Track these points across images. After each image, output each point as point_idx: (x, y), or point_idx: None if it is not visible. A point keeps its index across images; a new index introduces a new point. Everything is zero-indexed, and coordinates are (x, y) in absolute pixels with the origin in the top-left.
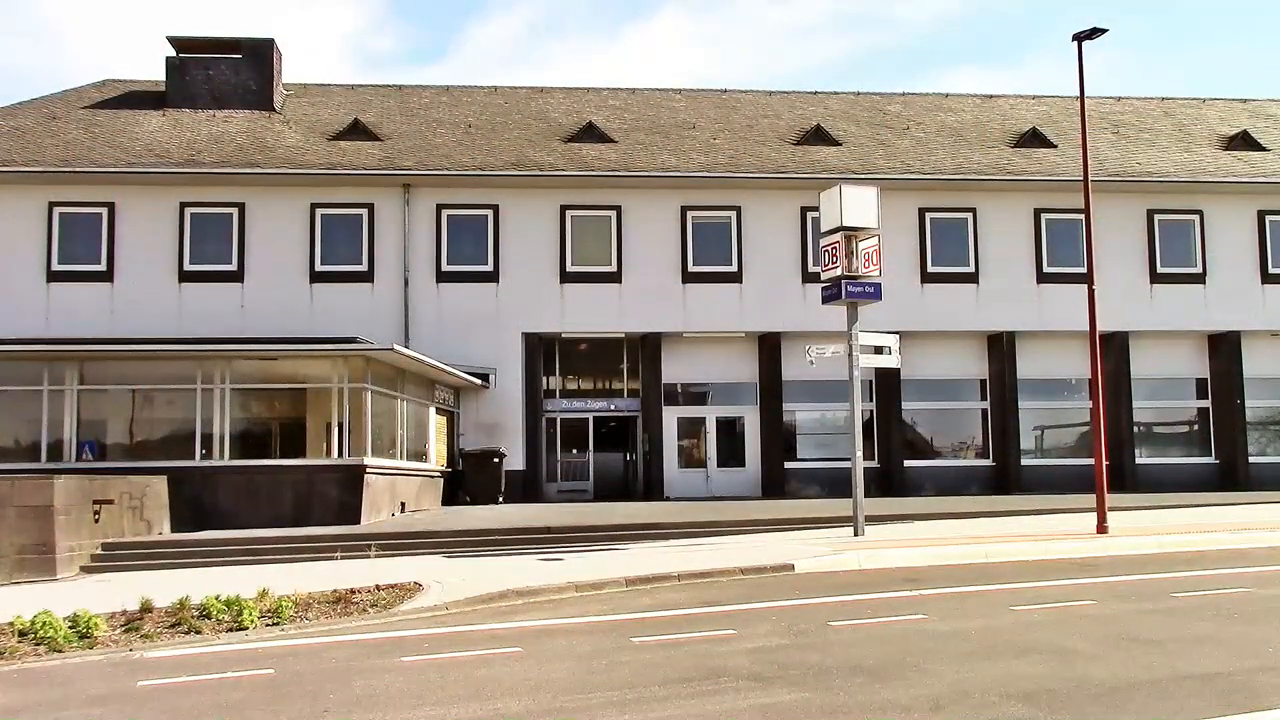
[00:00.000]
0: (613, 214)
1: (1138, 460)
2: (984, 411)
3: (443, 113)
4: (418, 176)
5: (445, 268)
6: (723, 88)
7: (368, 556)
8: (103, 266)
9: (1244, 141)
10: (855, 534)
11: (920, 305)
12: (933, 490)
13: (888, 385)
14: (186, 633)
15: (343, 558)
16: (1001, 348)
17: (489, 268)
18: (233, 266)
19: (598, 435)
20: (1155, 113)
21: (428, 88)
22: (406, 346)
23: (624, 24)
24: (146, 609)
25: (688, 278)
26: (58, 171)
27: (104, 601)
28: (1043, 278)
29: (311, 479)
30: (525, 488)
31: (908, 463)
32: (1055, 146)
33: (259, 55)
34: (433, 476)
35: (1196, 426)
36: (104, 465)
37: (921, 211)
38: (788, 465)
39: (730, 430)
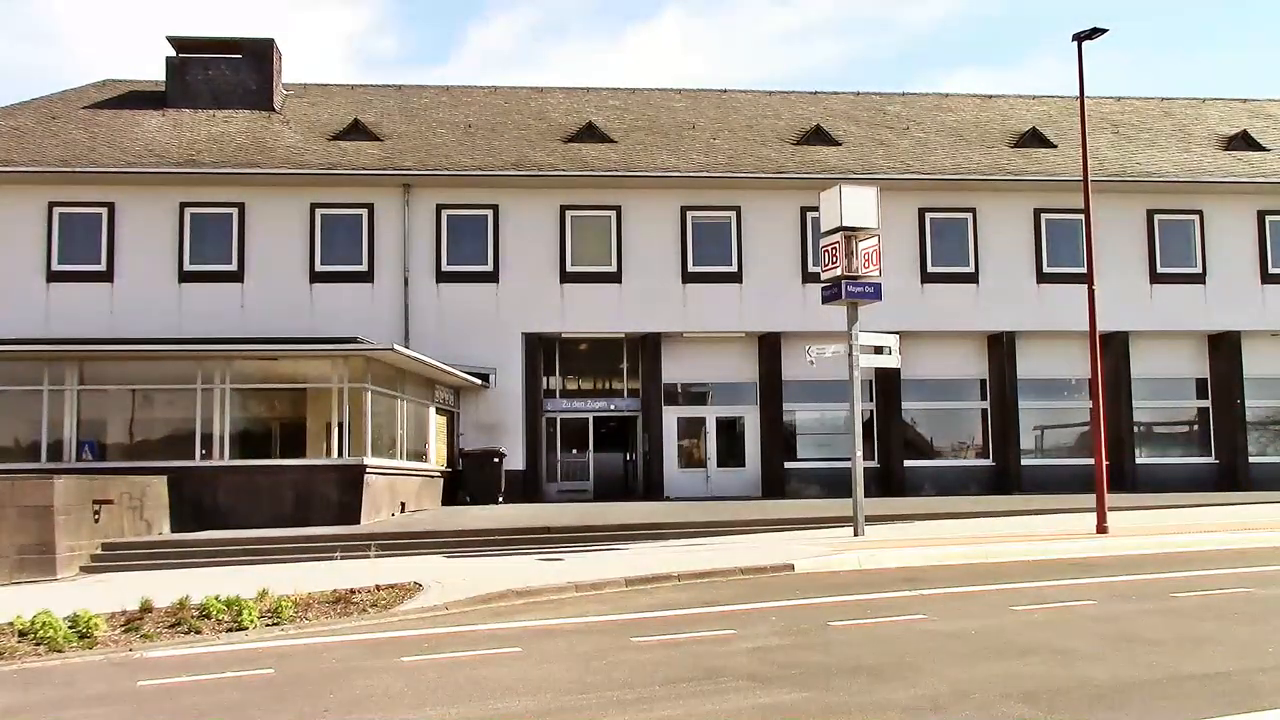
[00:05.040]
0: (613, 214)
1: (1138, 460)
2: (984, 411)
3: (443, 113)
4: (418, 176)
5: (445, 268)
6: (723, 88)
7: (368, 556)
8: (103, 266)
9: (1244, 141)
10: (855, 534)
11: (920, 305)
12: (933, 490)
13: (888, 385)
14: (186, 633)
15: (343, 558)
16: (1001, 348)
17: (489, 268)
18: (233, 266)
19: (598, 435)
20: (1155, 113)
21: (428, 88)
22: (406, 346)
23: (625, 25)
24: (146, 609)
25: (688, 278)
26: (58, 171)
27: (104, 601)
28: (1043, 278)
29: (311, 479)
30: (525, 488)
31: (908, 463)
32: (1055, 146)
33: (259, 55)
34: (433, 476)
35: (1196, 426)
36: (104, 465)
37: (921, 211)
38: (788, 465)
39: (730, 430)
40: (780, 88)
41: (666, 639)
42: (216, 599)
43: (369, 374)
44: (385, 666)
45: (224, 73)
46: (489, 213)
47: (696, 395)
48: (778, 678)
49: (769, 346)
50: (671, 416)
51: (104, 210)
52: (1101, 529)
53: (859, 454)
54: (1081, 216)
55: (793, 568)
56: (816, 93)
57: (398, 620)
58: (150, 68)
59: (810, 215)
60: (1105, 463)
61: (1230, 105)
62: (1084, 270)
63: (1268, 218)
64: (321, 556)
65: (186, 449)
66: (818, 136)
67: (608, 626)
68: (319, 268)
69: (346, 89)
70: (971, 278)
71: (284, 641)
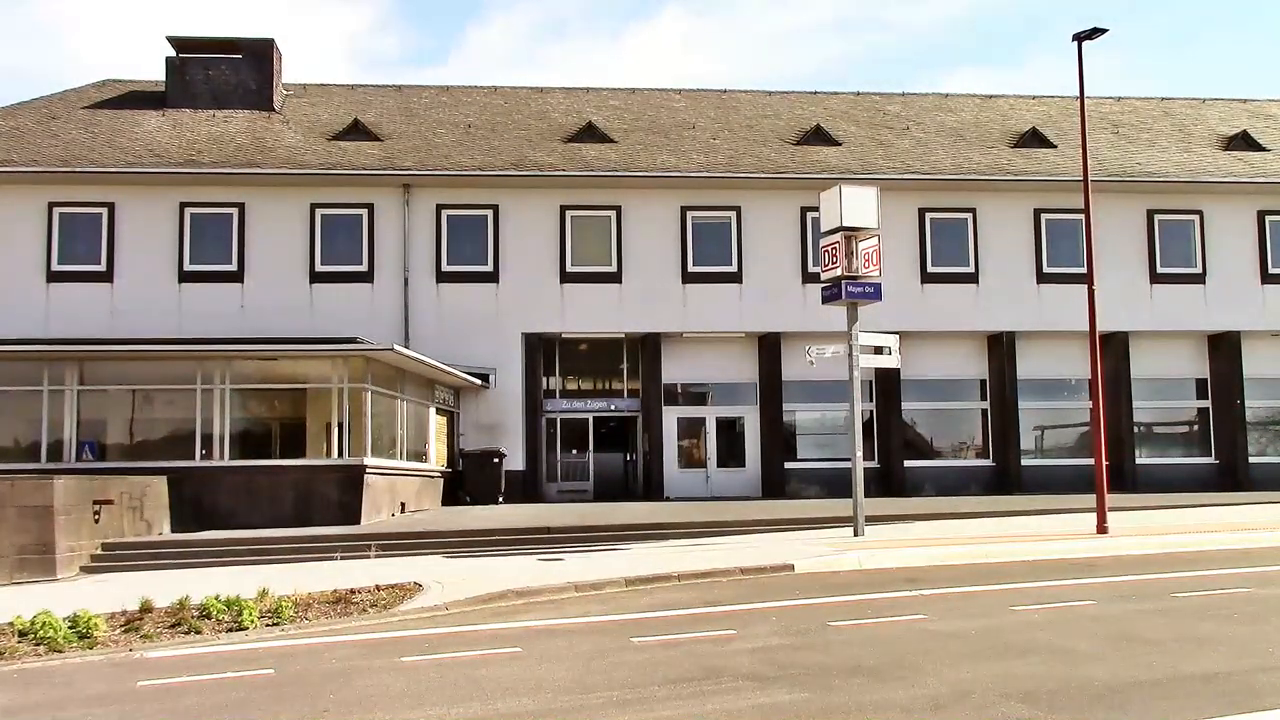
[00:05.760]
0: (613, 214)
1: (1138, 460)
2: (984, 411)
3: (443, 113)
4: (418, 176)
5: (445, 268)
6: (723, 88)
7: (368, 556)
8: (103, 266)
9: (1244, 141)
10: (855, 534)
11: (920, 305)
12: (933, 490)
13: (888, 385)
14: (186, 633)
15: (343, 558)
16: (1001, 348)
17: (489, 268)
18: (233, 266)
19: (598, 435)
20: (1155, 113)
21: (428, 88)
22: (406, 346)
23: (625, 25)
24: (146, 609)
25: (688, 278)
26: (58, 171)
27: (104, 601)
28: (1043, 278)
29: (311, 479)
30: (525, 488)
31: (908, 463)
32: (1055, 146)
33: (259, 55)
34: (433, 476)
35: (1196, 426)
36: (104, 465)
37: (921, 211)
38: (788, 465)
39: (730, 430)
40: (780, 88)
41: (667, 639)
42: (216, 599)
43: (369, 374)
44: (385, 666)
45: (224, 73)
46: (489, 213)
47: (696, 395)
48: (778, 678)
49: (769, 346)
50: (671, 417)
51: (104, 210)
52: (1102, 529)
53: (859, 454)
54: (1081, 216)
55: (793, 568)
56: (816, 93)
57: (398, 620)
58: (150, 68)
59: (810, 215)
60: (1105, 463)
61: (1230, 105)
62: (1084, 270)
63: (1268, 218)
64: (321, 556)
65: (186, 449)
66: (818, 136)
67: (608, 626)
68: (319, 268)
69: (346, 89)
70: (971, 278)
71: (284, 641)
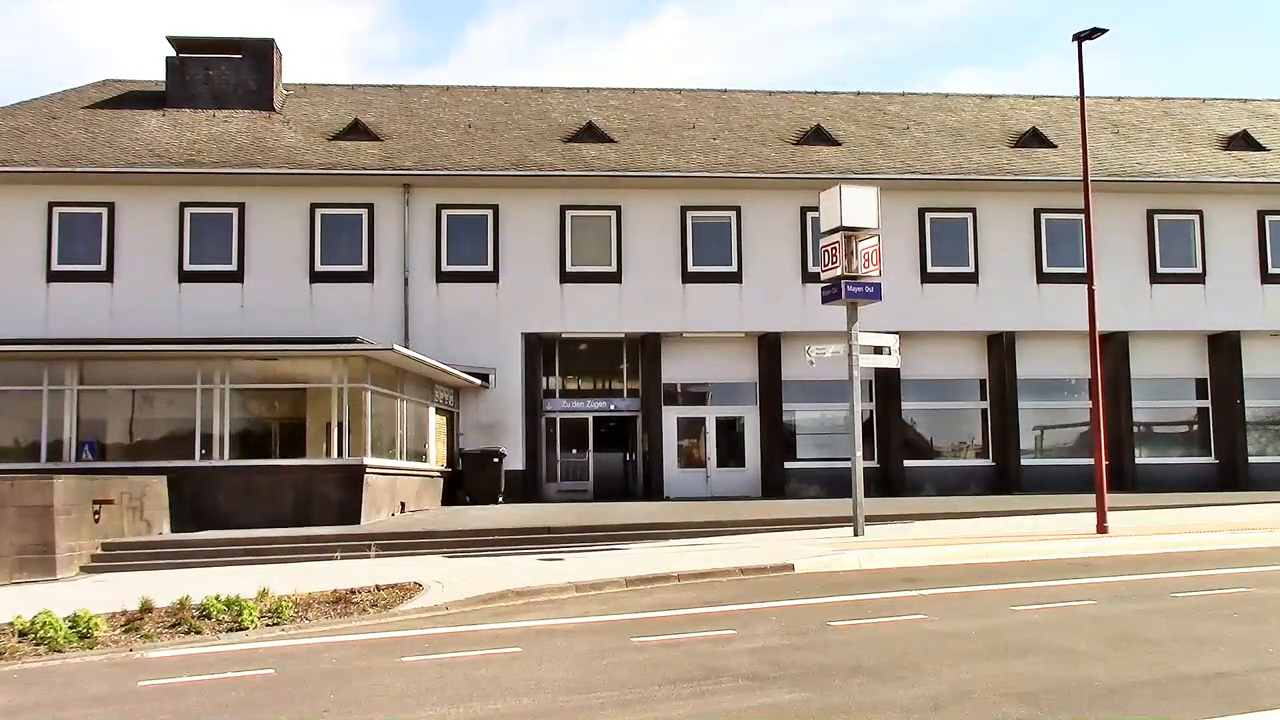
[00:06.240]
0: (613, 214)
1: (1138, 460)
2: (984, 411)
3: (443, 113)
4: (418, 176)
5: (445, 268)
6: (723, 88)
7: (368, 556)
8: (103, 266)
9: (1244, 141)
10: (855, 534)
11: (920, 305)
12: (933, 490)
13: (888, 385)
14: (186, 633)
15: (343, 558)
16: (1001, 348)
17: (489, 268)
18: (233, 266)
19: (598, 435)
20: (1155, 113)
21: (428, 88)
22: (406, 346)
23: (625, 25)
24: (146, 609)
25: (688, 278)
26: (58, 171)
27: (104, 601)
28: (1043, 278)
29: (311, 479)
30: (525, 488)
31: (908, 463)
32: (1055, 146)
33: (259, 55)
34: (433, 476)
35: (1196, 426)
36: (104, 465)
37: (921, 211)
38: (788, 465)
39: (730, 430)
40: (780, 88)
41: (667, 639)
42: (216, 599)
43: (369, 374)
44: (385, 666)
45: (224, 73)
46: (489, 213)
47: (696, 395)
48: (778, 678)
49: (769, 346)
50: (671, 416)
51: (104, 210)
52: (1101, 529)
53: (859, 454)
54: (1081, 216)
55: (793, 568)
56: (816, 93)
57: (398, 620)
58: (150, 68)
59: (810, 215)
60: (1105, 463)
61: (1230, 105)
62: (1084, 270)
63: (1268, 218)
64: (321, 556)
65: (186, 449)
66: (818, 136)
67: (608, 626)
68: (319, 268)
69: (346, 89)
70: (971, 278)
71: (284, 641)
